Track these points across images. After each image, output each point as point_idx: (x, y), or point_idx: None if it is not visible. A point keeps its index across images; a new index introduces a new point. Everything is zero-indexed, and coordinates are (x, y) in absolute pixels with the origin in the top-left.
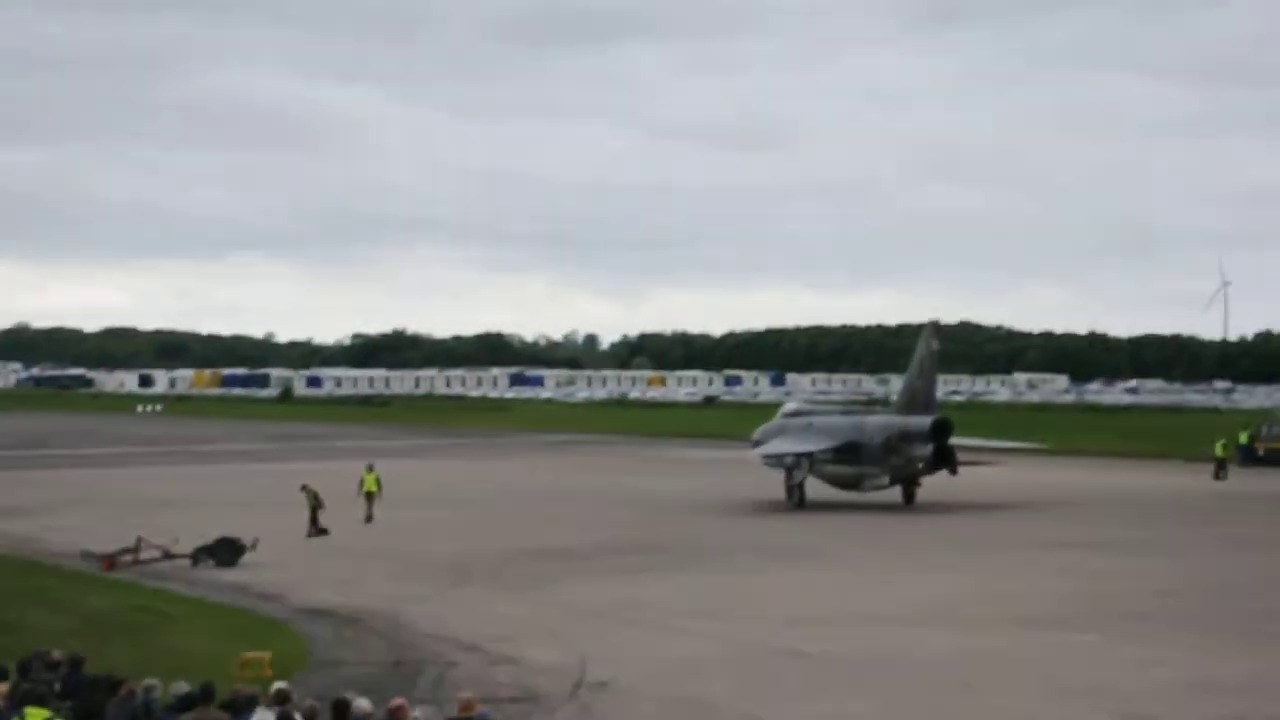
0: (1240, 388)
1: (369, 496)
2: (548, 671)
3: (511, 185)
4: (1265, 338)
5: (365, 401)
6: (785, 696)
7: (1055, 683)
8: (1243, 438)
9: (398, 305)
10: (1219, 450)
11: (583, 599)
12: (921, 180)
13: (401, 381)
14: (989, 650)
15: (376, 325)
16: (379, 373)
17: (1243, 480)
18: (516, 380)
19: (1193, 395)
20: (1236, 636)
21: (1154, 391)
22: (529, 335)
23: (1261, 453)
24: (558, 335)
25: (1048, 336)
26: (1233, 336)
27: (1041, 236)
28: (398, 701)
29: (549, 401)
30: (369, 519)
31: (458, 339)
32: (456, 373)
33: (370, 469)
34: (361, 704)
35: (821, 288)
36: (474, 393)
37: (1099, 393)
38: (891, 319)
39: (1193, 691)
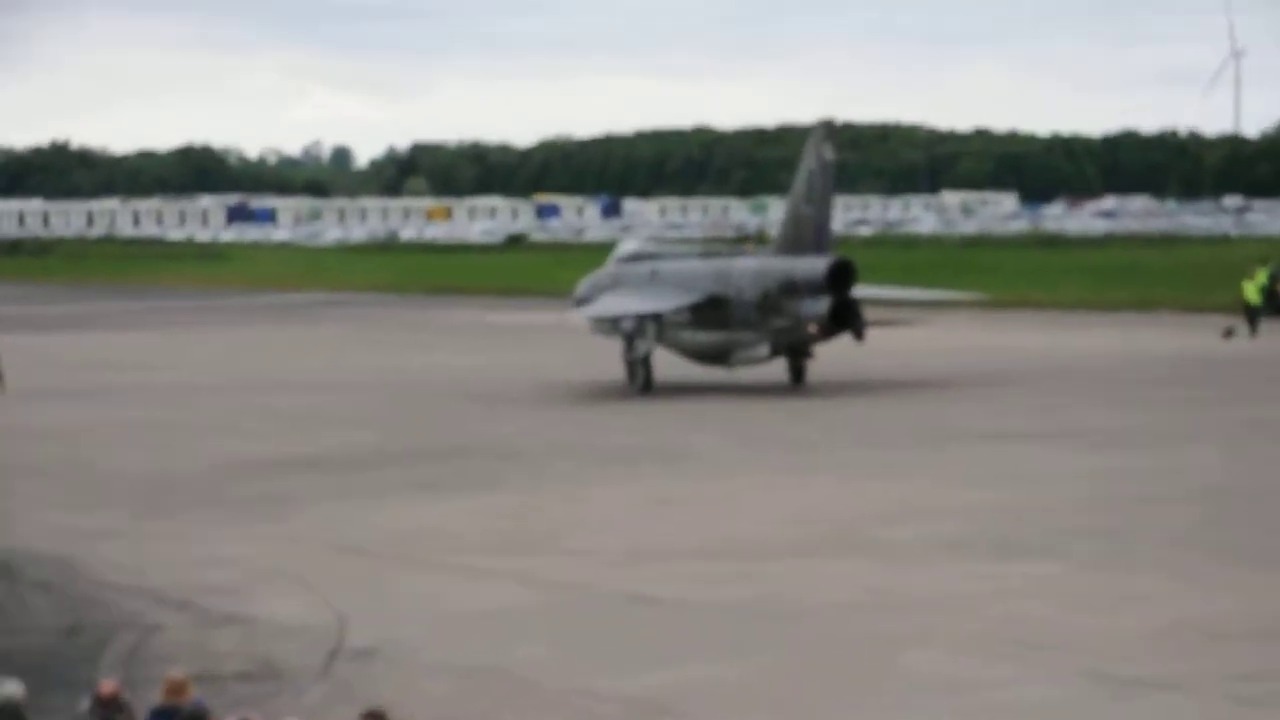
0: (1257, 204)
1: None
2: (292, 635)
3: None
4: None
5: (13, 248)
6: (625, 662)
7: (998, 632)
8: (1261, 277)
9: (57, 105)
10: (1250, 293)
11: (340, 530)
12: None
13: (66, 218)
14: (908, 589)
15: (25, 135)
16: (31, 205)
17: (1266, 339)
18: (236, 215)
19: (1192, 218)
20: (1248, 562)
21: (1138, 215)
22: (252, 149)
23: None
24: (294, 149)
25: (986, 138)
26: (1248, 132)
27: None
28: (108, 688)
29: (285, 246)
30: None
31: (146, 155)
32: (148, 204)
33: None
34: (9, 689)
35: (670, 75)
36: (175, 234)
37: (1061, 218)
38: (769, 118)
39: (1182, 638)
